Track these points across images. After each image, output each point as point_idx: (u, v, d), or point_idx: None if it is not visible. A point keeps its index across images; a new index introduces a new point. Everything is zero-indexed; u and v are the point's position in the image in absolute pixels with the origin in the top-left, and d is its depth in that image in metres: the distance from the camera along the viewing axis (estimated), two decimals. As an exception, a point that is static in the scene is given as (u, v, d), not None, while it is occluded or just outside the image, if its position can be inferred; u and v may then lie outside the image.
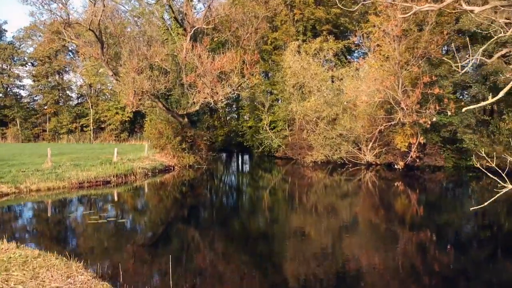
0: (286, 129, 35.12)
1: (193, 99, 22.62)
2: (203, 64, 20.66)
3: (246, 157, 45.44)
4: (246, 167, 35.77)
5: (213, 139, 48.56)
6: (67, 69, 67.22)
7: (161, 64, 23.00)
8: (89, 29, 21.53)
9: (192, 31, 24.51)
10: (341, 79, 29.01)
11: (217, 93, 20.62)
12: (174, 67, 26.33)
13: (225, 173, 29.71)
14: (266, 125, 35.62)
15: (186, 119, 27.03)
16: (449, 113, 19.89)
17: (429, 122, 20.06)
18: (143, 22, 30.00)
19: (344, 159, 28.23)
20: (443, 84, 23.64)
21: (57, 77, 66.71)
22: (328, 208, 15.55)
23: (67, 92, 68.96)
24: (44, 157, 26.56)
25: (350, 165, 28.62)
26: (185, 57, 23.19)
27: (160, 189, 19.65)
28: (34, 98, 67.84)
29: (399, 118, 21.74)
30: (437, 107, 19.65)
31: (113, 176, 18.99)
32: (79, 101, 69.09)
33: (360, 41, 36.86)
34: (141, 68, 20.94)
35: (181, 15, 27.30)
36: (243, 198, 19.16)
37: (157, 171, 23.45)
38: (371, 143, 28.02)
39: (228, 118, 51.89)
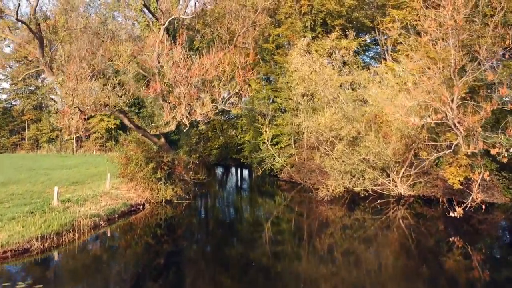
0: (292, 145, 28.66)
1: (166, 117, 16.27)
2: (174, 68, 14.26)
3: (246, 173, 39.17)
4: (244, 193, 29.37)
5: (206, 151, 42.19)
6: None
7: (121, 67, 16.69)
8: (18, 19, 15.23)
9: (167, 23, 18.07)
10: (364, 86, 22.54)
11: (195, 111, 14.29)
12: (149, 72, 19.99)
13: (215, 209, 23.26)
14: (268, 140, 29.12)
15: (162, 139, 20.64)
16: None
17: (505, 155, 13.59)
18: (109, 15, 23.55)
19: (369, 190, 21.74)
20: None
21: (39, 81, 60.34)
22: (346, 254, 13.08)
23: (52, 96, 62.56)
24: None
25: (376, 196, 22.17)
26: (157, 58, 16.79)
27: (104, 255, 13.23)
28: (12, 103, 61.49)
29: (455, 145, 15.20)
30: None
31: (36, 239, 12.51)
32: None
33: (384, 37, 30.66)
34: (87, 74, 14.57)
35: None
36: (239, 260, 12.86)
37: (116, 216, 16.95)
38: (403, 169, 21.58)
39: (225, 126, 45.07)
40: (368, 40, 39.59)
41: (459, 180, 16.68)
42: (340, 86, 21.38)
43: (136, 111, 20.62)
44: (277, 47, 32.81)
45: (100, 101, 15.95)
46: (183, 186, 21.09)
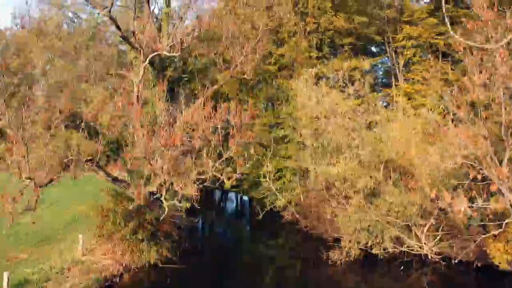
0: (297, 183, 25.49)
1: (138, 196, 13.18)
2: (148, 139, 11.11)
3: (245, 199, 36.22)
4: (244, 238, 26.45)
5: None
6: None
7: (90, 119, 13.61)
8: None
9: (148, 60, 14.89)
10: (379, 124, 19.42)
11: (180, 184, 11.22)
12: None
13: (208, 272, 19.82)
14: (269, 175, 25.83)
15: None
16: None
17: None
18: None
19: (389, 251, 18.58)
20: None
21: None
22: None
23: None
24: None
25: (396, 254, 19.00)
26: (137, 103, 13.66)
27: None
28: None
29: (506, 223, 12.01)
30: None
31: None
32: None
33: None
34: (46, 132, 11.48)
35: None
36: None
37: (83, 301, 13.77)
38: (428, 224, 18.45)
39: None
40: (375, 50, 36.73)
41: (507, 259, 13.51)
42: (357, 127, 18.21)
43: (114, 159, 17.54)
44: (279, 69, 29.65)
45: (63, 161, 12.83)
46: (170, 246, 17.89)
